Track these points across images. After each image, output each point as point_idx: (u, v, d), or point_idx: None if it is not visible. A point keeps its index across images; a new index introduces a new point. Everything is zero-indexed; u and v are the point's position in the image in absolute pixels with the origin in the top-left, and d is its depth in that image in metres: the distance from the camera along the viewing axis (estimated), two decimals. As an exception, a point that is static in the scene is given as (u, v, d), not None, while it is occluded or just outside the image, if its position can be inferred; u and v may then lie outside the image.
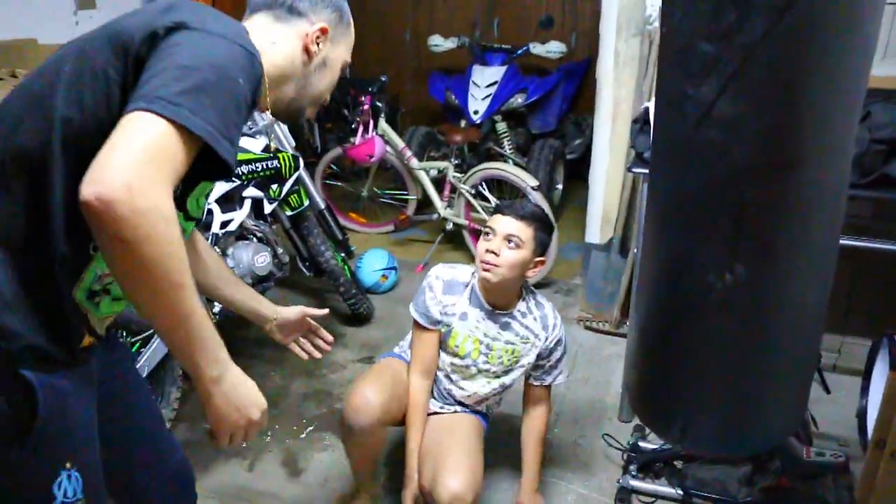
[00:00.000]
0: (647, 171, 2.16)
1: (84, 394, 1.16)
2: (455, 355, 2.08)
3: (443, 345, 2.10)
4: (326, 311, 1.69)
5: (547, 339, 2.08)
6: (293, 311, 1.61)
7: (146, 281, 0.91)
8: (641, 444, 2.36)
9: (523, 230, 1.94)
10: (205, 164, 0.98)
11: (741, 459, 2.14)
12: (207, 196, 1.29)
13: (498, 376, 2.11)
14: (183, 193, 1.15)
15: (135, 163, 0.87)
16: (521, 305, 2.07)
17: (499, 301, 2.05)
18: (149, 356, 2.26)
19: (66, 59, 1.05)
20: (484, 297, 2.05)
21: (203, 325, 0.98)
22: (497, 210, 2.02)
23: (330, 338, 1.69)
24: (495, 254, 1.93)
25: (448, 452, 1.95)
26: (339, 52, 1.30)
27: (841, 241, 2.23)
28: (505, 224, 1.95)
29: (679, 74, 1.11)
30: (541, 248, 1.99)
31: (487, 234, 1.98)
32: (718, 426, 1.25)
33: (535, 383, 2.15)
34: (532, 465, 2.15)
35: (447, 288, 2.07)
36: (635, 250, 2.76)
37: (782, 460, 2.08)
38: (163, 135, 0.91)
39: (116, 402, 1.34)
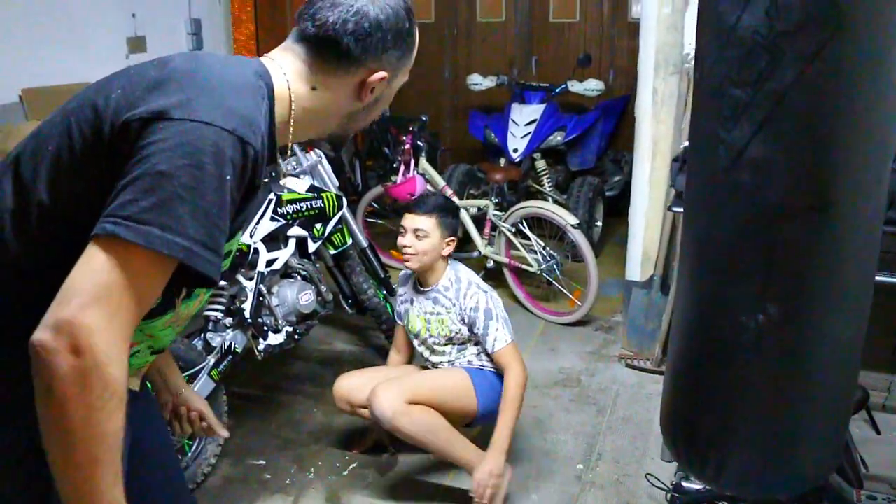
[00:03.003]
0: (685, 209, 2.17)
1: None
2: (415, 336, 2.55)
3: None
4: (226, 434, 1.52)
5: (462, 307, 2.40)
6: (197, 402, 1.45)
7: (62, 440, 0.83)
8: (685, 484, 2.31)
9: (426, 222, 2.40)
10: (188, 273, 0.90)
11: (788, 501, 2.09)
12: None
13: (443, 346, 2.48)
14: None
15: (86, 309, 0.82)
16: (445, 280, 2.47)
17: (428, 279, 2.49)
18: (196, 391, 2.31)
19: (53, 134, 0.99)
20: (417, 280, 2.54)
21: None
22: (405, 210, 2.48)
23: (223, 434, 1.50)
24: (409, 246, 2.40)
25: (408, 378, 2.40)
26: (397, 83, 1.19)
27: (885, 279, 2.23)
28: (411, 221, 2.42)
29: (711, 118, 1.13)
30: (448, 230, 2.44)
31: (402, 232, 2.44)
32: (754, 467, 1.24)
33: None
34: (501, 427, 2.28)
35: (401, 281, 2.66)
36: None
37: (831, 503, 2.03)
38: (125, 267, 0.84)
39: (148, 461, 1.24)
